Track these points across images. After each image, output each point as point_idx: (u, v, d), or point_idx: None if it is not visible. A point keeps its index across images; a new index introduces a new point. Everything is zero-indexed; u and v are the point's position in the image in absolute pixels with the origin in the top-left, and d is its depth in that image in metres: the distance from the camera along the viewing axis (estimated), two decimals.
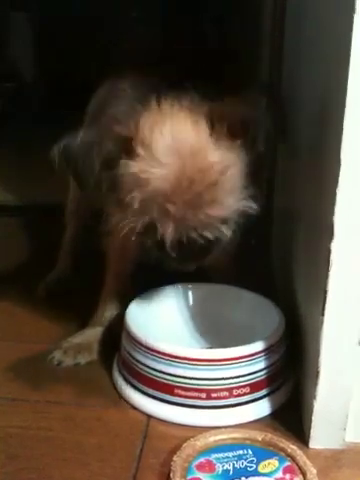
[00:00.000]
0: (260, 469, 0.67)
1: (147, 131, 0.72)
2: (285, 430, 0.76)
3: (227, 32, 1.95)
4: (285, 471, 0.67)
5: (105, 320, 0.96)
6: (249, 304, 0.91)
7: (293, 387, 0.83)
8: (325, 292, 0.66)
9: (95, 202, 0.84)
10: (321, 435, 0.72)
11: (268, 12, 1.22)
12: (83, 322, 0.98)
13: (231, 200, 0.73)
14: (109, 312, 0.96)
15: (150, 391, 0.80)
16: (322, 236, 0.67)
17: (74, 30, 2.24)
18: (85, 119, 1.04)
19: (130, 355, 0.83)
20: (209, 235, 0.74)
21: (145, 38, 2.13)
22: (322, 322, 0.67)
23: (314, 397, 0.70)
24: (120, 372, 0.86)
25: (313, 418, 0.71)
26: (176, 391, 0.77)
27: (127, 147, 0.72)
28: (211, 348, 0.88)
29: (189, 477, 0.66)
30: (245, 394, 0.78)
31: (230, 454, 0.70)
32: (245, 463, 0.68)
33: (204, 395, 0.77)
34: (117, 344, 0.88)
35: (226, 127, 0.72)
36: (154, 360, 0.78)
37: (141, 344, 0.80)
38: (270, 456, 0.69)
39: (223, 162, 0.72)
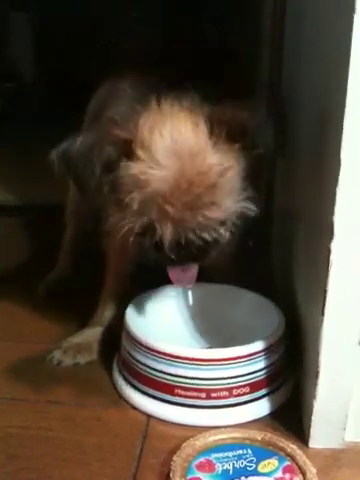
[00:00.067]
0: (260, 469, 0.67)
1: (146, 132, 0.72)
2: (285, 430, 0.76)
3: (227, 32, 1.95)
4: (285, 471, 0.67)
5: (105, 320, 0.96)
6: (249, 304, 0.91)
7: (293, 387, 0.83)
8: (325, 292, 0.66)
9: (95, 203, 0.84)
10: (321, 435, 0.72)
11: (268, 12, 1.22)
12: (83, 322, 0.98)
13: (229, 202, 0.73)
14: (109, 312, 0.96)
15: (150, 391, 0.80)
16: (322, 236, 0.67)
17: (74, 30, 2.24)
18: (85, 119, 1.05)
19: (130, 355, 0.83)
20: (207, 236, 0.74)
21: (145, 38, 2.14)
22: (322, 322, 0.67)
23: (314, 397, 0.70)
24: (120, 372, 0.86)
25: (313, 418, 0.71)
26: (176, 391, 0.77)
27: (127, 149, 0.72)
28: (211, 348, 0.88)
29: (189, 477, 0.66)
30: (245, 394, 0.78)
31: (230, 454, 0.70)
32: (245, 463, 0.68)
33: (204, 395, 0.77)
34: (117, 344, 0.88)
35: (225, 130, 0.72)
36: (154, 360, 0.78)
37: (141, 344, 0.80)
38: (270, 456, 0.69)
39: (222, 164, 0.72)
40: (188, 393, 0.77)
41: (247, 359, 0.77)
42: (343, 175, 0.62)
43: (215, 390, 0.77)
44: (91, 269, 1.01)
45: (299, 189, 0.89)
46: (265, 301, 0.89)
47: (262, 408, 0.79)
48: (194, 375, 0.77)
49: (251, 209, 0.75)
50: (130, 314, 0.86)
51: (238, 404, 0.78)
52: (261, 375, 0.79)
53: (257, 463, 0.68)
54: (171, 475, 0.66)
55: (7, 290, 1.13)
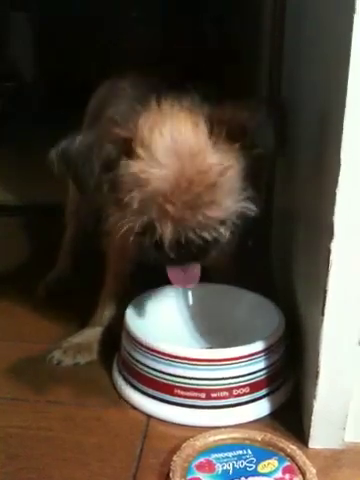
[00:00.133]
0: (260, 469, 0.67)
1: (147, 131, 0.72)
2: (285, 430, 0.76)
3: (227, 32, 1.95)
4: (285, 471, 0.67)
5: (105, 320, 0.96)
6: (249, 304, 0.91)
7: (293, 387, 0.83)
8: (325, 292, 0.66)
9: (95, 202, 0.84)
10: (321, 435, 0.72)
11: (268, 12, 1.22)
12: (83, 322, 0.98)
13: (229, 201, 0.73)
14: (109, 312, 0.96)
15: (150, 391, 0.80)
16: (322, 236, 0.67)
17: (74, 30, 2.24)
18: (85, 119, 1.05)
19: (130, 355, 0.83)
20: (207, 236, 0.74)
21: (145, 38, 2.14)
22: (322, 322, 0.67)
23: (314, 397, 0.70)
24: (120, 372, 0.86)
25: (313, 418, 0.71)
26: (176, 391, 0.77)
27: (127, 148, 0.72)
28: (211, 348, 0.88)
29: (189, 477, 0.66)
30: (245, 394, 0.78)
31: (230, 454, 0.70)
32: (245, 463, 0.68)
33: (204, 395, 0.77)
34: (117, 344, 0.88)
35: (225, 130, 0.72)
36: (154, 360, 0.78)
37: (141, 344, 0.80)
38: (270, 456, 0.69)
39: (222, 164, 0.72)
40: (188, 393, 0.77)
41: (247, 359, 0.77)
42: (343, 175, 0.62)
43: (215, 390, 0.77)
44: (91, 269, 1.01)
45: (299, 189, 0.89)
46: (265, 301, 0.89)
47: (262, 408, 0.79)
48: (194, 375, 0.77)
49: (251, 209, 0.75)
50: (130, 314, 0.86)
51: (238, 404, 0.78)
52: (261, 375, 0.79)
53: (257, 463, 0.68)
54: (171, 475, 0.66)
55: (7, 290, 1.13)
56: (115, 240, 0.87)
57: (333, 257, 0.64)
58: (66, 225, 1.19)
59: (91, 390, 0.85)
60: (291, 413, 0.78)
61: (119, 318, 0.90)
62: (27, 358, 0.92)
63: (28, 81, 2.52)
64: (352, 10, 0.57)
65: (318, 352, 0.68)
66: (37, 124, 2.15)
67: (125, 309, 0.88)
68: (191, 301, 0.95)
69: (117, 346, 0.88)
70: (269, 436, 0.72)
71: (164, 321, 0.90)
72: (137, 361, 0.81)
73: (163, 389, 0.78)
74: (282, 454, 0.70)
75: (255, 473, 0.67)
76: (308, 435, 0.72)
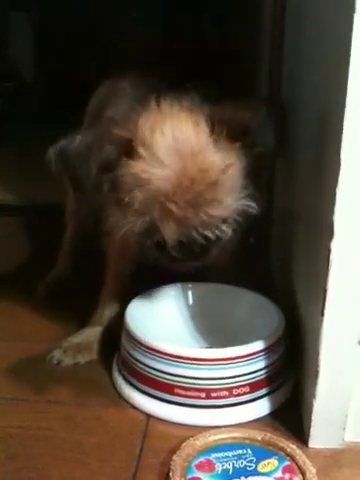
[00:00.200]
0: (259, 468, 0.67)
1: (148, 131, 0.72)
2: (285, 429, 0.76)
3: (227, 32, 1.95)
4: (284, 470, 0.67)
5: (105, 320, 0.96)
6: (249, 303, 0.91)
7: (293, 387, 0.83)
8: (325, 291, 0.66)
9: (95, 202, 0.85)
10: (321, 434, 0.72)
11: (268, 12, 1.22)
12: (83, 322, 0.98)
13: (231, 199, 0.73)
14: (109, 312, 0.96)
15: (150, 390, 0.80)
16: (322, 235, 0.67)
17: (74, 30, 2.24)
18: (85, 119, 1.05)
19: (130, 355, 0.83)
20: (210, 234, 0.74)
21: (145, 38, 2.14)
22: (322, 321, 0.67)
23: (314, 397, 0.70)
24: (120, 372, 0.86)
25: (313, 418, 0.71)
26: (176, 390, 0.77)
27: (127, 148, 0.72)
28: (211, 347, 0.88)
29: (189, 476, 0.66)
30: (245, 394, 0.78)
31: (230, 454, 0.70)
32: (244, 463, 0.68)
33: (204, 394, 0.77)
34: (117, 344, 0.88)
35: (226, 129, 0.73)
36: (154, 359, 0.78)
37: (141, 343, 0.80)
38: (269, 455, 0.69)
39: (223, 162, 0.73)
40: (188, 393, 0.77)
41: (247, 359, 0.77)
42: (343, 175, 0.62)
43: (215, 390, 0.77)
44: (91, 269, 1.01)
45: (299, 189, 0.89)
46: (265, 301, 0.89)
47: (262, 408, 0.79)
48: (194, 375, 0.77)
49: (252, 207, 0.75)
50: (130, 314, 0.86)
51: (238, 404, 0.78)
52: (261, 375, 0.79)
53: (257, 463, 0.68)
54: (171, 475, 0.66)
55: (7, 290, 1.13)
56: (115, 240, 0.88)
57: (333, 257, 0.64)
58: (66, 225, 1.19)
59: (91, 390, 0.85)
60: (291, 413, 0.78)
61: (119, 318, 0.90)
62: (27, 358, 0.92)
63: (28, 81, 2.52)
64: (352, 10, 0.57)
65: (318, 352, 0.68)
66: (37, 124, 2.15)
67: (125, 309, 0.88)
68: (191, 301, 0.95)
69: (117, 346, 0.88)
70: (269, 435, 0.72)
71: (164, 321, 0.90)
72: (137, 360, 0.81)
73: (163, 388, 0.78)
74: (282, 454, 0.70)
75: (255, 472, 0.67)
76: (308, 435, 0.72)
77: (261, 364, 0.79)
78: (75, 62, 2.26)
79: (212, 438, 0.72)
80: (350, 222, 0.63)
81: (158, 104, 0.75)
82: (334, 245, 0.64)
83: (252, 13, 1.57)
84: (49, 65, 2.40)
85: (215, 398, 0.77)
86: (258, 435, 0.72)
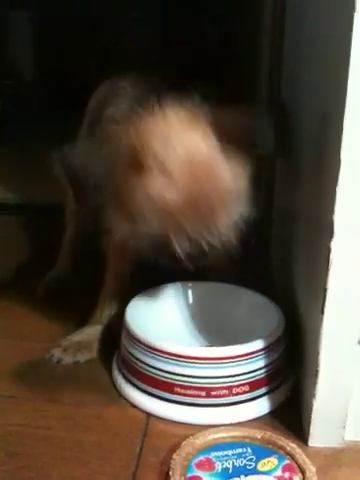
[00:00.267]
0: (259, 467, 0.67)
1: (157, 144, 0.70)
2: (284, 428, 0.76)
3: (227, 32, 1.95)
4: (284, 469, 0.67)
5: (104, 318, 0.96)
6: (249, 302, 0.91)
7: (293, 386, 0.83)
8: (325, 290, 0.66)
9: (95, 202, 0.84)
10: (320, 433, 0.72)
11: (268, 12, 1.22)
12: (83, 321, 0.98)
13: (240, 208, 0.73)
14: (109, 310, 0.96)
15: (150, 389, 0.80)
16: (322, 235, 0.67)
17: (74, 30, 2.24)
18: (85, 119, 1.05)
19: (130, 353, 0.83)
20: (218, 244, 0.74)
21: (145, 38, 2.14)
22: (322, 321, 0.67)
23: (313, 396, 0.70)
24: (120, 370, 0.86)
25: (312, 416, 0.71)
26: (176, 389, 0.78)
27: (133, 161, 0.70)
28: (211, 346, 0.88)
29: (189, 475, 0.66)
30: (244, 392, 0.78)
31: (229, 452, 0.70)
32: (244, 461, 0.68)
33: (204, 393, 0.77)
34: (117, 342, 0.88)
35: (231, 136, 0.72)
36: (154, 358, 0.79)
37: (141, 342, 0.80)
38: (269, 454, 0.69)
39: (232, 172, 0.72)
40: (188, 391, 0.77)
41: (247, 358, 0.77)
42: (343, 174, 0.62)
43: (215, 388, 0.77)
44: (91, 269, 1.01)
45: (299, 188, 0.89)
46: (265, 300, 0.90)
47: (262, 407, 0.79)
48: (194, 373, 0.77)
49: (255, 210, 0.75)
50: (130, 312, 0.86)
51: (238, 403, 0.78)
52: (261, 374, 0.79)
53: (257, 462, 0.68)
54: (171, 473, 0.66)
55: (7, 289, 1.13)
56: (115, 240, 0.88)
57: (333, 256, 0.64)
58: (66, 225, 1.19)
59: (91, 388, 0.85)
60: (291, 411, 0.79)
61: (119, 316, 0.90)
62: (27, 356, 0.92)
63: (28, 81, 2.52)
64: (352, 9, 0.57)
65: (318, 351, 0.68)
66: (37, 124, 2.15)
67: (125, 307, 0.88)
68: (191, 300, 0.95)
69: (117, 344, 0.88)
70: (269, 434, 0.72)
71: (164, 319, 0.90)
72: (137, 359, 0.81)
73: (163, 387, 0.78)
74: (282, 452, 0.70)
75: (255, 471, 0.67)
76: (308, 433, 0.72)
77: (261, 363, 0.79)
78: (75, 62, 2.26)
79: (212, 437, 0.72)
80: (350, 221, 0.63)
81: (163, 110, 0.73)
82: (334, 244, 0.64)
83: (252, 13, 1.57)
84: (49, 65, 2.39)
85: (215, 397, 0.77)
86: (258, 434, 0.73)
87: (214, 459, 0.69)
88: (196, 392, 0.77)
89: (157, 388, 0.79)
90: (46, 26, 2.37)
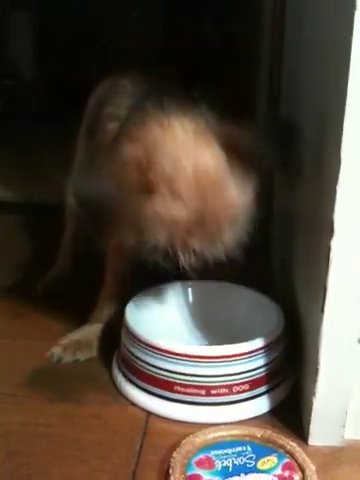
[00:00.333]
0: (259, 466, 0.67)
1: (167, 166, 0.70)
2: (284, 427, 0.76)
3: (227, 32, 1.95)
4: (284, 468, 0.67)
5: (104, 317, 0.96)
6: (248, 301, 0.92)
7: (292, 384, 0.83)
8: (325, 289, 0.66)
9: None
10: (320, 432, 0.72)
11: (268, 12, 1.23)
12: (83, 321, 0.98)
13: (245, 223, 0.74)
14: (108, 309, 0.96)
15: (149, 388, 0.80)
16: (322, 234, 0.67)
17: (74, 30, 2.24)
18: (84, 117, 1.05)
19: (130, 352, 0.83)
20: (222, 256, 0.75)
21: (145, 38, 2.14)
22: (322, 319, 0.67)
23: (313, 394, 0.70)
24: (120, 369, 0.86)
25: (312, 415, 0.71)
26: (175, 388, 0.78)
27: (141, 178, 0.70)
28: (210, 345, 0.88)
29: (188, 473, 0.66)
30: (244, 391, 0.78)
31: (229, 451, 0.70)
32: (244, 460, 0.68)
33: (203, 392, 0.77)
34: (117, 341, 0.88)
35: (238, 151, 0.72)
36: (153, 357, 0.79)
37: (140, 341, 0.80)
38: (269, 453, 0.69)
39: (239, 189, 0.72)
40: (188, 390, 0.77)
41: (247, 356, 0.77)
42: (343, 173, 0.62)
43: (215, 387, 0.77)
44: (91, 269, 1.01)
45: (299, 188, 0.89)
46: (264, 299, 0.90)
47: (262, 405, 0.79)
48: (194, 372, 0.77)
49: (257, 214, 0.75)
50: (130, 311, 0.86)
51: (238, 401, 0.78)
52: (261, 372, 0.79)
53: (256, 460, 0.68)
54: (171, 472, 0.67)
55: (7, 289, 1.13)
56: (115, 240, 0.88)
57: (333, 255, 0.65)
58: (66, 224, 1.19)
59: (91, 387, 0.85)
60: (291, 410, 0.79)
61: (119, 315, 0.90)
62: (27, 356, 0.93)
63: (28, 81, 2.52)
64: (353, 7, 0.57)
65: (318, 350, 0.68)
66: (37, 124, 2.15)
67: (125, 306, 0.88)
68: (191, 298, 0.95)
69: (117, 343, 0.88)
70: (269, 433, 0.72)
71: (164, 318, 0.91)
72: (137, 358, 0.81)
73: (163, 386, 0.79)
74: (282, 451, 0.70)
75: (255, 470, 0.67)
76: (308, 432, 0.73)
77: (261, 362, 0.79)
78: (75, 62, 2.26)
79: (212, 435, 0.73)
80: (350, 220, 0.64)
81: (170, 124, 0.72)
82: (334, 243, 0.64)
83: (252, 13, 1.57)
84: (49, 65, 2.40)
85: (215, 395, 0.77)
86: (258, 432, 0.73)
87: (214, 457, 0.69)
88: (196, 391, 0.77)
89: (157, 387, 0.79)
90: (46, 26, 2.37)
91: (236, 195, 0.72)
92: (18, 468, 0.69)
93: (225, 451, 0.70)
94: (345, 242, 0.64)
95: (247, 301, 0.92)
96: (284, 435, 0.73)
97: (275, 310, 0.86)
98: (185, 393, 0.77)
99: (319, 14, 0.76)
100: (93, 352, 0.93)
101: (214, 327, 0.91)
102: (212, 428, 0.74)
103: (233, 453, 0.69)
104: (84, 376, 0.87)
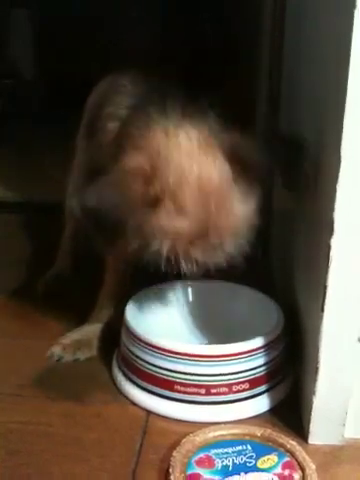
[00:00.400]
0: (259, 465, 0.68)
1: (171, 175, 0.70)
2: (284, 426, 0.76)
3: (227, 32, 1.95)
4: (284, 467, 0.67)
5: (104, 316, 0.96)
6: (248, 300, 0.92)
7: (292, 383, 0.83)
8: (325, 288, 0.66)
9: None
10: (320, 431, 0.72)
11: (268, 12, 1.23)
12: (83, 320, 0.98)
13: (248, 232, 0.74)
14: (108, 309, 0.96)
15: (149, 387, 0.80)
16: (322, 233, 0.67)
17: (74, 30, 2.25)
18: (84, 115, 1.05)
19: (129, 351, 0.83)
20: (223, 263, 0.75)
21: (145, 38, 2.14)
22: (322, 318, 0.67)
23: (313, 393, 0.70)
24: (119, 368, 0.86)
25: (312, 414, 0.71)
26: (176, 387, 0.78)
27: (145, 189, 0.69)
28: (210, 344, 0.88)
29: (188, 472, 0.66)
30: (244, 390, 0.78)
31: (229, 450, 0.70)
32: (244, 459, 0.69)
33: (203, 391, 0.77)
34: (116, 340, 0.88)
35: (242, 162, 0.72)
36: (153, 356, 0.79)
37: (140, 340, 0.80)
38: (269, 452, 0.70)
39: (242, 201, 0.73)
40: (188, 389, 0.77)
41: (247, 355, 0.77)
42: (343, 172, 0.62)
43: (215, 386, 0.77)
44: (91, 269, 1.01)
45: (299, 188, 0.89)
46: (264, 298, 0.90)
47: (262, 404, 0.79)
48: (193, 371, 0.77)
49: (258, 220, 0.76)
50: (130, 310, 0.87)
51: (238, 400, 0.78)
52: (261, 371, 0.79)
53: (256, 459, 0.68)
54: (171, 471, 0.67)
55: (7, 288, 1.13)
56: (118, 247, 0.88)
57: (333, 253, 0.65)
58: (65, 224, 1.19)
59: (91, 386, 0.85)
60: (291, 409, 0.79)
61: (119, 314, 0.90)
62: (27, 355, 0.93)
63: (28, 81, 2.52)
64: (353, 6, 0.57)
65: (318, 349, 0.69)
66: (37, 124, 2.15)
67: (125, 305, 0.88)
68: (191, 298, 0.95)
69: (117, 342, 0.88)
70: (269, 432, 0.73)
71: (164, 317, 0.91)
72: (137, 357, 0.81)
73: (163, 385, 0.79)
74: (282, 450, 0.70)
75: (255, 468, 0.67)
76: (308, 431, 0.73)
77: (261, 361, 0.79)
78: (75, 62, 2.26)
79: (212, 434, 0.73)
80: (350, 219, 0.64)
81: (176, 134, 0.71)
82: (334, 242, 0.64)
83: (252, 13, 1.57)
84: (49, 65, 2.40)
85: (215, 394, 0.77)
86: (258, 431, 0.73)
87: (214, 456, 0.69)
88: (196, 390, 0.77)
89: (157, 386, 0.79)
90: (46, 26, 2.38)
91: (239, 207, 0.72)
92: (18, 467, 0.70)
93: (225, 450, 0.70)
94: (345, 241, 0.64)
95: (247, 300, 0.92)
96: (284, 434, 0.73)
97: (275, 309, 0.86)
98: (185, 392, 0.78)
99: (319, 14, 0.76)
100: (93, 351, 0.93)
101: (214, 326, 0.91)
102: (212, 427, 0.74)
103: (233, 452, 0.70)
104: (84, 375, 0.88)
